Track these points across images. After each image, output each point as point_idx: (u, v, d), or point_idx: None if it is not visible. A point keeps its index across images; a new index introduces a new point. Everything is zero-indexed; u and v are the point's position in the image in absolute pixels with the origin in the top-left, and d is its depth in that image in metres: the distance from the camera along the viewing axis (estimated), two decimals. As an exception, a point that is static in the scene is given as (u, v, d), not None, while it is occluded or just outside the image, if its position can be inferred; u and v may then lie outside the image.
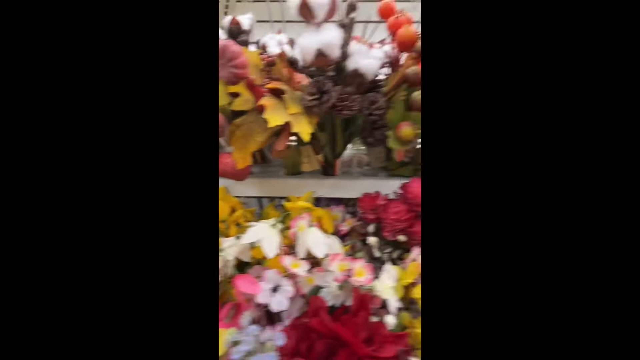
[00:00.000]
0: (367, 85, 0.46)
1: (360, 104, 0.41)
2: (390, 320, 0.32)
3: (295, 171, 0.56)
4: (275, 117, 0.36)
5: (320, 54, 0.35)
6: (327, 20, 0.35)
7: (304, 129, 0.38)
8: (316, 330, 0.35)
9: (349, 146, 0.57)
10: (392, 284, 0.35)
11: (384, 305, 0.37)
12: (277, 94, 0.39)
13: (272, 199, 0.62)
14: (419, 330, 0.39)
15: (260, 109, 0.38)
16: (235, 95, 0.41)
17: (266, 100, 0.38)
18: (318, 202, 0.56)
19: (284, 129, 0.40)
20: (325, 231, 0.50)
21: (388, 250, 0.47)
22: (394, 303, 0.34)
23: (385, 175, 0.55)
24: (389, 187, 0.49)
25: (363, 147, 0.59)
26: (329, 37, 0.34)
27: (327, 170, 0.55)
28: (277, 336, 0.30)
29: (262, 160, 0.63)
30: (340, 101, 0.39)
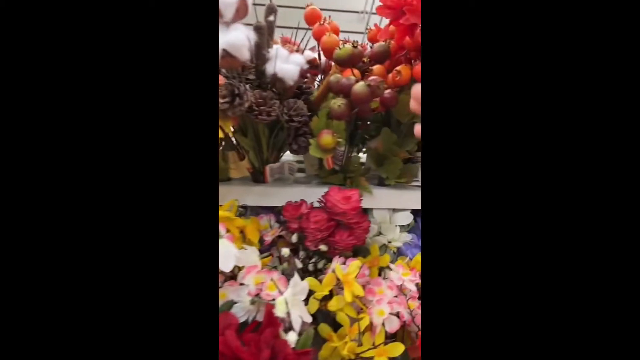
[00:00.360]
0: (293, 91, 0.45)
1: (279, 109, 0.39)
2: (292, 338, 0.31)
3: (222, 177, 0.53)
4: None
5: (227, 55, 0.33)
6: (237, 20, 0.34)
7: (212, 133, 0.36)
8: (219, 350, 0.32)
9: (289, 153, 0.56)
10: (293, 297, 0.34)
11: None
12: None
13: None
14: (336, 344, 0.38)
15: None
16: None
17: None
18: (246, 210, 0.54)
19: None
20: (249, 242, 0.48)
21: (313, 260, 0.46)
22: (296, 318, 0.33)
23: (317, 183, 0.55)
24: (320, 195, 0.48)
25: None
26: (234, 37, 0.33)
27: (257, 177, 0.53)
28: None
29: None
30: (257, 105, 0.38)
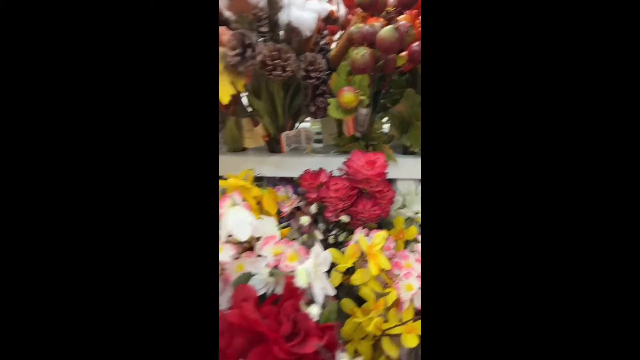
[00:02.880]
0: (309, 46, 0.40)
1: (296, 63, 0.35)
2: (314, 311, 0.28)
3: (236, 147, 0.50)
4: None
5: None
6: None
7: (223, 89, 0.32)
8: (236, 324, 0.30)
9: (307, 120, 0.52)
10: (314, 268, 0.31)
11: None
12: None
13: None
14: (360, 320, 0.35)
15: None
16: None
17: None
18: (262, 181, 0.51)
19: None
20: (266, 213, 0.45)
21: (333, 232, 0.43)
22: (318, 290, 0.30)
23: (335, 153, 0.51)
24: (339, 165, 0.44)
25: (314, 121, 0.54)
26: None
27: (274, 146, 0.50)
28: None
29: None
30: (271, 59, 0.34)
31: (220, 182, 0.42)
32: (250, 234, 0.33)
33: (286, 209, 0.45)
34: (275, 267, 0.34)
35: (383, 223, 0.48)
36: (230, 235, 0.33)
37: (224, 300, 0.36)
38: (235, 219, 0.33)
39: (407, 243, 0.44)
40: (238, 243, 0.35)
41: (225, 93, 0.33)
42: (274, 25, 0.37)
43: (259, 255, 0.36)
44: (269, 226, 0.37)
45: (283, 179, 0.51)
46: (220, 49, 0.35)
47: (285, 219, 0.46)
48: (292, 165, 0.49)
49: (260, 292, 0.35)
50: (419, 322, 0.35)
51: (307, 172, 0.42)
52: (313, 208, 0.42)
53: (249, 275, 0.36)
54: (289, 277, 0.33)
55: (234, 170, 0.46)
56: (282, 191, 0.49)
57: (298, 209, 0.46)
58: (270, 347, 0.27)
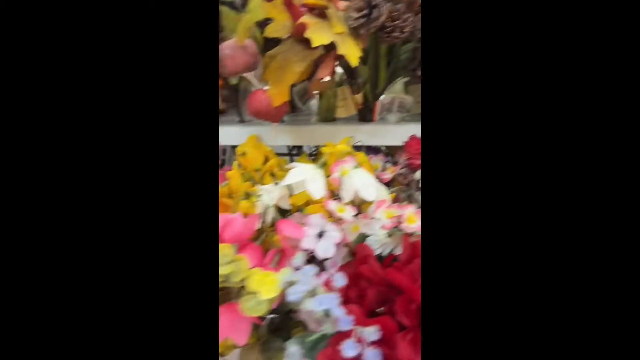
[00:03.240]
0: (417, 6, 0.39)
1: (414, 24, 0.34)
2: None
3: (329, 117, 0.51)
4: (319, 36, 0.31)
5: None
6: None
7: (352, 51, 0.33)
8: (366, 277, 0.32)
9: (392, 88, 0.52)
10: None
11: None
12: (318, 12, 0.34)
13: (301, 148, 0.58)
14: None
15: (300, 32, 0.32)
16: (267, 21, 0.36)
17: (307, 19, 0.32)
18: (360, 149, 0.52)
19: (327, 55, 0.35)
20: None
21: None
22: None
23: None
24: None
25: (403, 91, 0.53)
26: None
27: (365, 115, 0.50)
28: (337, 277, 0.28)
29: (291, 108, 0.59)
30: (390, 20, 0.33)
31: (323, 149, 0.44)
32: (375, 194, 0.34)
33: (387, 176, 0.45)
34: (394, 228, 0.35)
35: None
36: (354, 196, 0.35)
37: (338, 258, 0.39)
38: (362, 180, 0.34)
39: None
40: (353, 204, 0.37)
41: (354, 56, 0.33)
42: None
43: (373, 218, 0.37)
44: (382, 190, 0.38)
45: (371, 147, 0.52)
46: (340, 13, 0.35)
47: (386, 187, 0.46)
48: (385, 134, 0.49)
49: (376, 252, 0.36)
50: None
51: (412, 137, 0.42)
52: (417, 174, 0.42)
53: (363, 236, 0.38)
54: (408, 237, 0.34)
55: (327, 139, 0.48)
56: (375, 160, 0.49)
57: (396, 177, 0.47)
58: (412, 297, 0.29)
